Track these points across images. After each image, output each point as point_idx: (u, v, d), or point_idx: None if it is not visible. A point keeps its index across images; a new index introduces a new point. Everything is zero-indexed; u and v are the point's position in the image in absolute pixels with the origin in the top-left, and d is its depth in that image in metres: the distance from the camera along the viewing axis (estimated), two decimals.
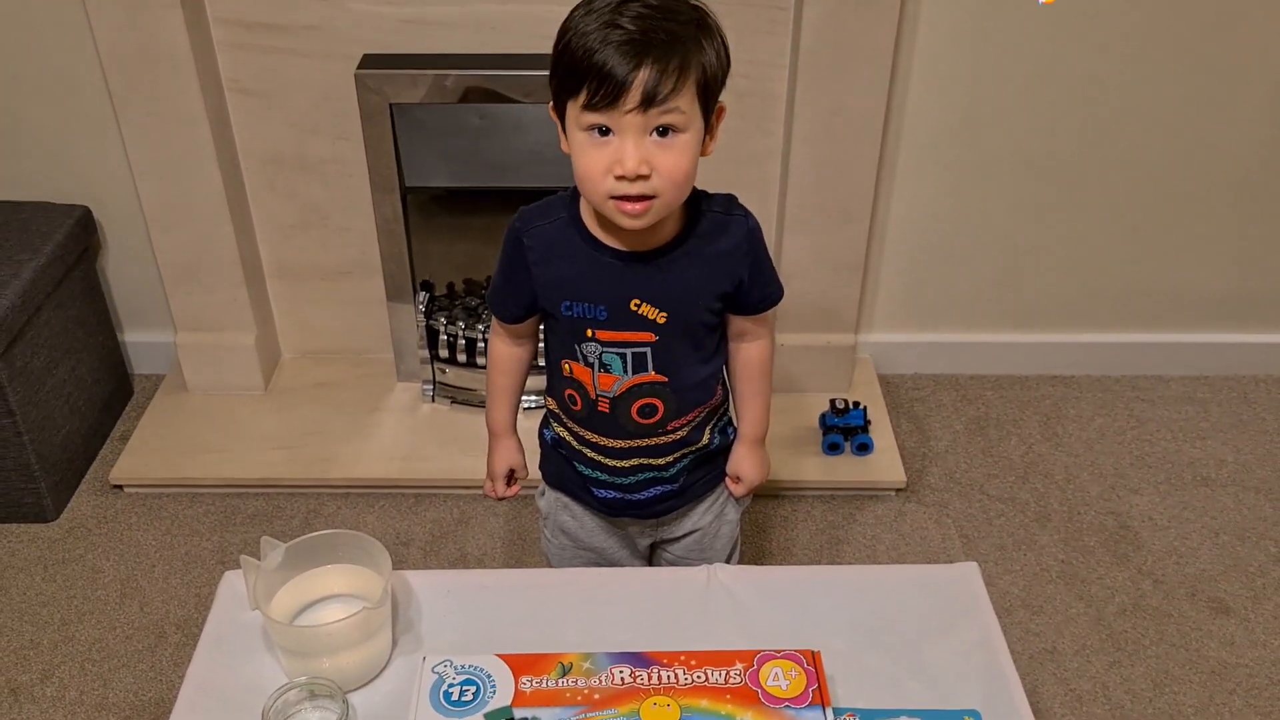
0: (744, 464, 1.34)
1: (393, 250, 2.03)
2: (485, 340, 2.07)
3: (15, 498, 1.91)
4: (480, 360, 2.08)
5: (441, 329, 2.09)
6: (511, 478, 1.39)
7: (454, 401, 2.14)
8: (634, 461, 1.27)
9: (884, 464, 2.01)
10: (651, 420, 1.23)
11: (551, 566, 1.43)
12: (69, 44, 1.91)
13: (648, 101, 1.01)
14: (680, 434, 1.26)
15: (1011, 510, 1.98)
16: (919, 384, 2.27)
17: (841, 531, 1.93)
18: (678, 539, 1.39)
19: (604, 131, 1.04)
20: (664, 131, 1.04)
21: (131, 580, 1.83)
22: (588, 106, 1.03)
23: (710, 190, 1.20)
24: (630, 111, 1.02)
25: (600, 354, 1.19)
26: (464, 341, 2.08)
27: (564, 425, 1.29)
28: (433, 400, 2.15)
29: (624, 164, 1.03)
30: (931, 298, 2.23)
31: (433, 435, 2.08)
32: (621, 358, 1.19)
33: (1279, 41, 1.93)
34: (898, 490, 2.00)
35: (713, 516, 1.38)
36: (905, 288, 2.22)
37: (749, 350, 1.28)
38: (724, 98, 1.11)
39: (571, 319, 1.17)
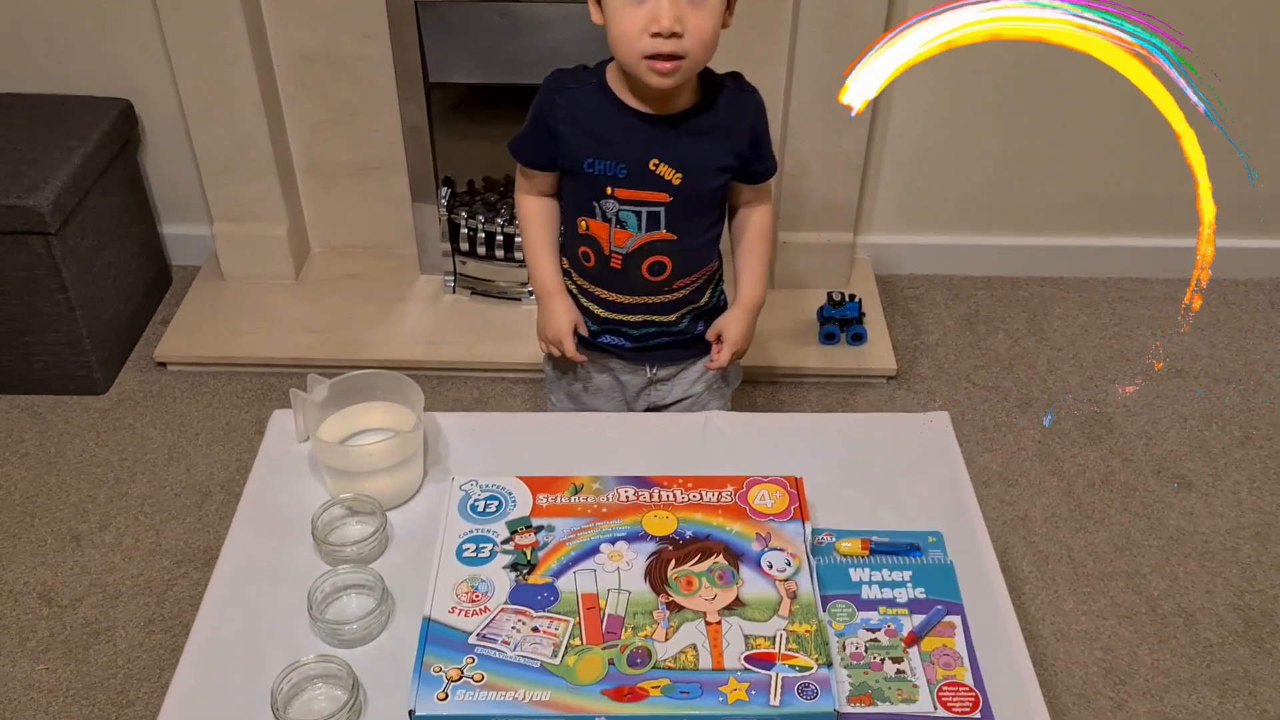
0: (732, 325, 1.40)
1: (417, 149, 2.15)
2: (504, 234, 2.19)
3: (68, 370, 2.06)
4: (499, 253, 2.21)
5: (462, 223, 2.22)
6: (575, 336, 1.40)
7: (474, 292, 2.27)
8: (641, 317, 1.40)
9: (877, 353, 2.14)
10: (660, 278, 1.36)
11: None
12: None
13: None
14: (684, 293, 1.39)
15: (995, 397, 2.11)
16: (914, 283, 2.39)
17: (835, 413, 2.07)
18: (668, 405, 1.50)
19: None
20: None
21: (178, 446, 1.99)
22: None
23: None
24: None
25: (618, 211, 1.31)
26: (484, 235, 2.21)
27: (573, 282, 1.42)
28: (454, 291, 2.28)
29: (660, 21, 1.16)
30: (927, 201, 2.34)
31: (454, 323, 2.22)
32: (637, 215, 1.31)
33: None
34: (889, 378, 2.14)
35: (704, 387, 1.48)
36: (903, 191, 2.33)
37: (752, 215, 1.40)
38: None
39: (593, 176, 1.29)
